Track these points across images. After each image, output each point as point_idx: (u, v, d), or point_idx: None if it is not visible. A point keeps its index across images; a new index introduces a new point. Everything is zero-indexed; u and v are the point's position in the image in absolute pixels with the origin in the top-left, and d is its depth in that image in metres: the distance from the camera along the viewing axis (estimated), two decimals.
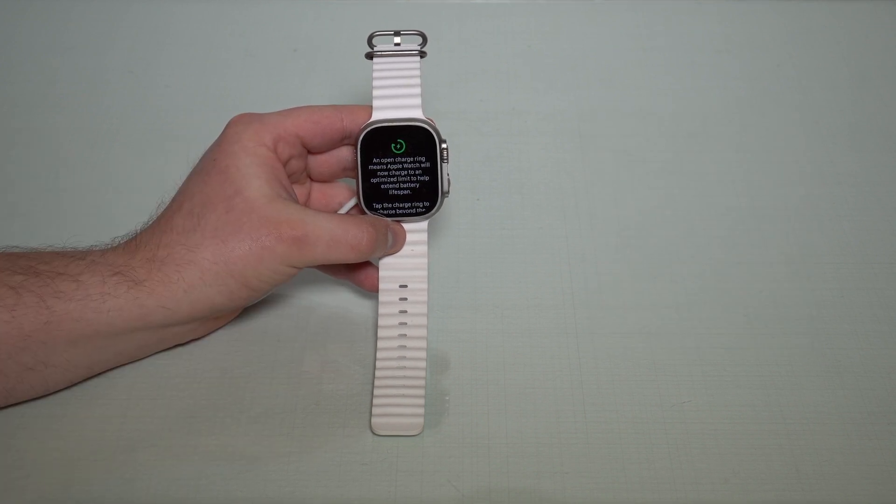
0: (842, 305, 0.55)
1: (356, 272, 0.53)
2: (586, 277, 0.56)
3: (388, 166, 0.51)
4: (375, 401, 0.49)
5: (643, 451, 0.48)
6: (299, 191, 0.53)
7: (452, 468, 0.48)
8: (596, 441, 0.49)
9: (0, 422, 0.49)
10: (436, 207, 0.51)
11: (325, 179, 0.54)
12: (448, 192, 0.51)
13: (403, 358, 0.50)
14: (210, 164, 0.49)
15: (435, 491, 0.47)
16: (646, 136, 0.65)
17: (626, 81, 0.69)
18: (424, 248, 0.52)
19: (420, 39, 0.51)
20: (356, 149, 0.50)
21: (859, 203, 0.61)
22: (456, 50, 0.72)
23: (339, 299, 0.55)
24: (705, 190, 0.62)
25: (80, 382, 0.50)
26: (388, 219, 0.51)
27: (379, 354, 0.51)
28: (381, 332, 0.51)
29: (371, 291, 0.53)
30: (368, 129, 0.50)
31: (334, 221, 0.48)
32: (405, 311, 0.51)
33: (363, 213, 0.52)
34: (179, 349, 0.52)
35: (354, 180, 0.52)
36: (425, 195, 0.51)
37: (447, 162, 0.51)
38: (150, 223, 0.50)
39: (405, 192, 0.51)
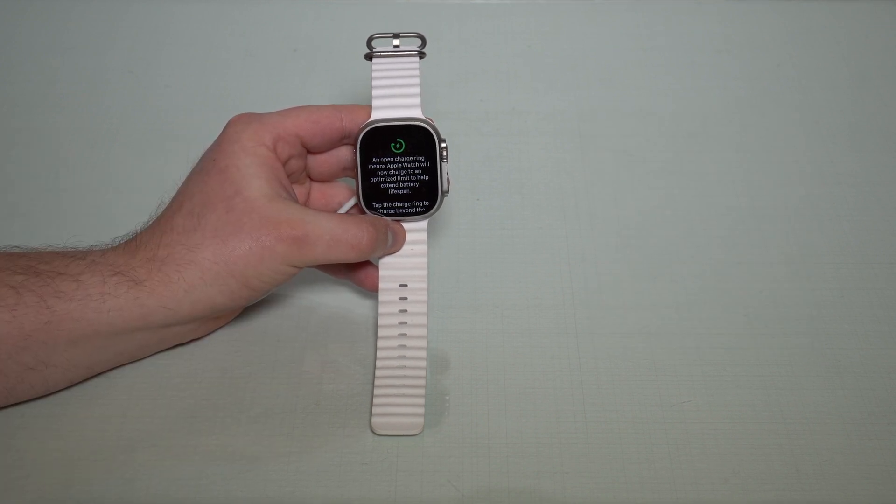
0: (842, 305, 0.55)
1: (356, 272, 0.53)
2: (586, 277, 0.56)
3: (388, 166, 0.51)
4: (375, 400, 0.49)
5: (643, 451, 0.48)
6: (299, 190, 0.53)
7: (452, 468, 0.48)
8: (596, 441, 0.49)
9: (0, 422, 0.49)
10: (435, 207, 0.51)
11: (325, 179, 0.54)
12: (448, 192, 0.51)
13: (404, 357, 0.50)
14: (210, 164, 0.49)
15: (435, 491, 0.47)
16: (646, 136, 0.65)
17: (626, 81, 0.69)
18: (424, 248, 0.52)
19: (419, 41, 0.51)
20: (356, 148, 0.50)
21: (859, 203, 0.61)
22: (456, 50, 0.72)
23: (339, 299, 0.55)
24: (705, 190, 0.62)
25: (80, 382, 0.50)
26: (388, 218, 0.51)
27: (379, 354, 0.51)
28: (381, 332, 0.51)
29: (371, 291, 0.53)
30: (368, 128, 0.50)
31: (334, 221, 0.48)
32: (405, 311, 0.51)
33: (363, 212, 0.52)
34: (180, 349, 0.52)
35: (354, 180, 0.52)
36: (425, 194, 0.51)
37: (447, 161, 0.51)
38: (150, 223, 0.50)
39: (405, 191, 0.51)
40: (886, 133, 0.65)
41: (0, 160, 0.63)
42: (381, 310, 0.51)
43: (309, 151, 0.52)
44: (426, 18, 0.73)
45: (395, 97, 0.50)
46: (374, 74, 0.51)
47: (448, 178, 0.51)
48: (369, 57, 0.51)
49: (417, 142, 0.50)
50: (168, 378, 0.51)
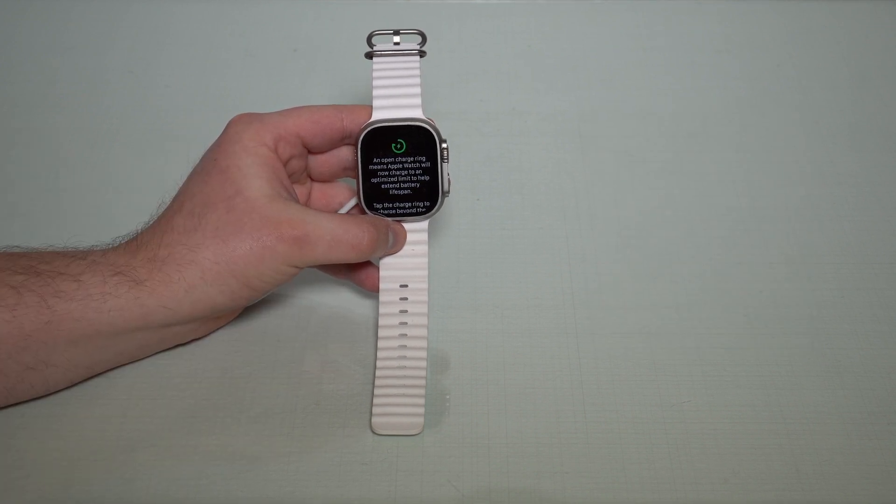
0: (842, 305, 0.55)
1: (357, 272, 0.53)
2: (586, 277, 0.56)
3: (389, 166, 0.51)
4: (376, 400, 0.49)
5: (643, 451, 0.48)
6: (300, 191, 0.53)
7: (452, 468, 0.48)
8: (596, 441, 0.49)
9: (0, 422, 0.49)
10: (436, 207, 0.51)
11: (326, 179, 0.54)
12: (448, 192, 0.51)
13: (404, 358, 0.50)
14: (210, 164, 0.49)
15: (435, 491, 0.47)
16: (646, 137, 0.65)
17: (626, 81, 0.69)
18: (425, 248, 0.52)
19: (419, 38, 0.51)
20: (356, 148, 0.50)
21: (859, 203, 0.61)
22: (456, 50, 0.72)
23: (339, 299, 0.55)
24: (705, 190, 0.62)
25: (80, 382, 0.50)
26: (389, 218, 0.51)
27: (379, 354, 0.51)
28: (381, 332, 0.51)
29: (372, 291, 0.53)
30: (369, 128, 0.50)
31: (335, 221, 0.48)
32: (405, 311, 0.51)
33: (364, 212, 0.52)
34: (180, 349, 0.52)
35: (354, 180, 0.52)
36: (426, 195, 0.51)
37: (447, 161, 0.51)
38: (150, 223, 0.50)
39: (405, 191, 0.51)
40: (886, 133, 0.65)
41: (0, 160, 0.63)
42: (382, 310, 0.51)
43: (310, 151, 0.52)
44: (426, 18, 0.73)
45: (396, 97, 0.50)
46: (374, 74, 0.51)
47: (449, 179, 0.51)
48: (370, 56, 0.51)
49: (418, 142, 0.50)
50: (168, 378, 0.51)
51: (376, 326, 0.52)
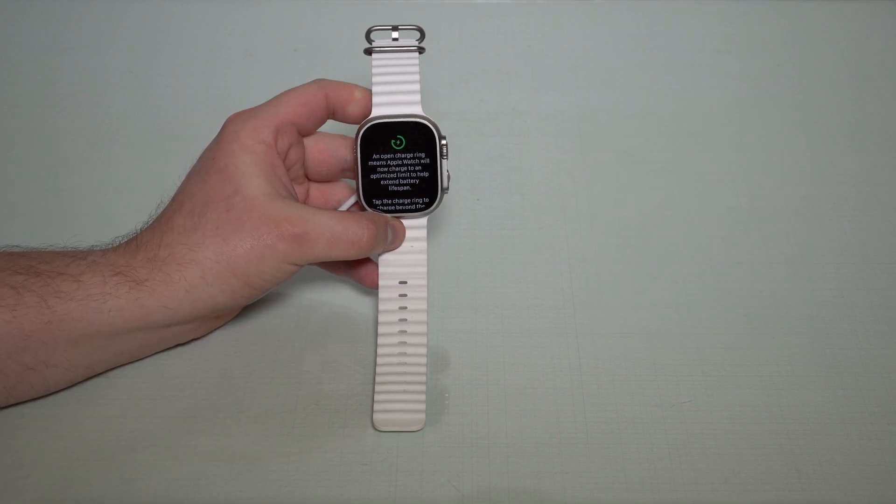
0: (842, 305, 0.55)
1: (356, 269, 0.53)
2: (586, 277, 0.56)
3: (388, 162, 0.51)
4: (377, 397, 0.49)
5: (643, 451, 0.48)
6: (298, 190, 0.53)
7: (452, 468, 0.48)
8: (596, 441, 0.49)
9: (0, 422, 0.49)
10: (435, 204, 0.51)
11: (324, 180, 0.54)
12: (448, 189, 0.51)
13: (404, 354, 0.50)
14: (209, 164, 0.49)
15: (435, 491, 0.47)
16: (646, 137, 0.65)
17: (626, 81, 0.69)
18: (424, 245, 0.52)
19: (418, 35, 0.51)
20: (356, 145, 0.50)
21: (859, 203, 0.61)
22: (456, 50, 0.72)
23: (339, 298, 0.55)
24: (705, 190, 0.62)
25: (80, 382, 0.50)
26: (388, 215, 0.51)
27: (379, 351, 0.51)
28: (381, 329, 0.51)
29: (371, 288, 0.53)
30: (368, 125, 0.50)
31: (334, 218, 0.48)
32: (405, 308, 0.51)
33: (363, 209, 0.52)
34: (180, 349, 0.52)
35: (352, 180, 0.52)
36: (425, 191, 0.51)
37: (447, 158, 0.51)
38: (149, 223, 0.50)
39: (405, 188, 0.51)
40: (886, 133, 0.65)
41: (0, 160, 0.63)
42: (381, 307, 0.51)
43: (301, 134, 0.52)
44: (426, 18, 0.73)
45: (396, 93, 0.50)
46: (373, 70, 0.51)
47: (448, 175, 0.51)
48: (369, 52, 0.51)
49: (418, 138, 0.50)
50: (168, 378, 0.51)
51: (376, 324, 0.52)
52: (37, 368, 0.47)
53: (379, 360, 0.50)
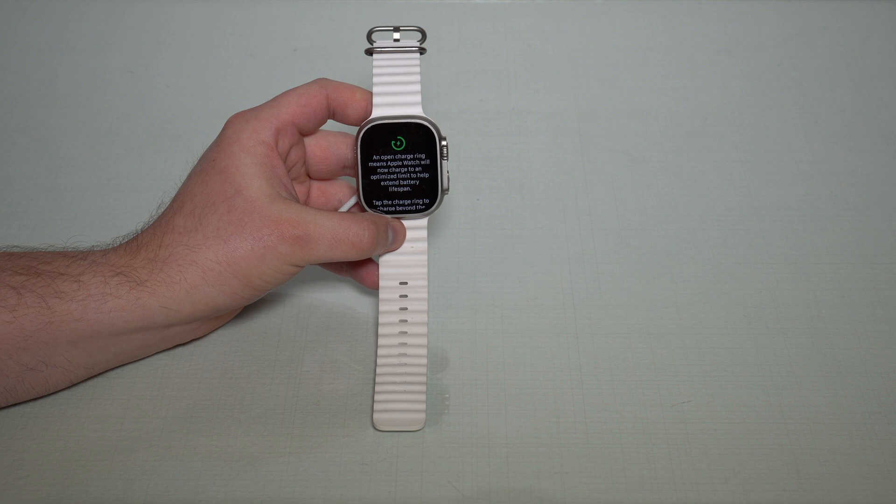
0: (842, 305, 0.55)
1: (357, 269, 0.53)
2: (586, 277, 0.56)
3: (388, 163, 0.51)
4: (377, 396, 0.49)
5: (643, 451, 0.48)
6: (299, 189, 0.53)
7: (452, 468, 0.48)
8: (596, 441, 0.49)
9: (0, 422, 0.49)
10: (436, 204, 0.51)
11: (325, 178, 0.54)
12: (448, 190, 0.51)
13: (404, 354, 0.50)
14: (209, 165, 0.49)
15: (435, 491, 0.47)
16: (646, 136, 0.65)
17: (626, 81, 0.69)
18: (424, 245, 0.52)
19: (419, 35, 0.51)
20: (356, 146, 0.50)
21: (859, 203, 0.61)
22: (456, 50, 0.72)
23: (339, 298, 0.55)
24: (705, 190, 0.62)
25: (80, 382, 0.50)
26: (389, 216, 0.51)
27: (380, 351, 0.51)
28: (381, 329, 0.51)
29: (372, 288, 0.53)
30: (368, 125, 0.50)
31: (335, 219, 0.48)
32: (406, 308, 0.51)
33: (363, 210, 0.52)
34: (180, 349, 0.52)
35: (354, 178, 0.52)
36: (425, 192, 0.51)
37: (447, 159, 0.51)
38: (150, 223, 0.50)
39: (405, 189, 0.51)
40: (886, 133, 0.65)
41: (0, 160, 0.63)
42: (382, 307, 0.51)
43: (302, 134, 0.52)
44: (426, 18, 0.73)
45: (396, 94, 0.50)
46: (374, 71, 0.51)
47: (448, 176, 0.51)
48: (370, 52, 0.51)
49: (418, 139, 0.50)
50: (168, 378, 0.51)
51: (376, 324, 0.52)
52: (37, 368, 0.47)
53: (379, 360, 0.50)
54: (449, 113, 0.67)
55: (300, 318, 0.54)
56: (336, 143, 0.53)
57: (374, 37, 0.51)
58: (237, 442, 0.48)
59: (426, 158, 0.51)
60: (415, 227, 0.52)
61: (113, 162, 0.63)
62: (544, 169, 0.63)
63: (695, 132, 0.66)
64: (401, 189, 0.51)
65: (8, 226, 0.59)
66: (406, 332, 0.51)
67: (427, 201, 0.51)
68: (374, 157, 0.51)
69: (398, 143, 0.50)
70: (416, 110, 0.50)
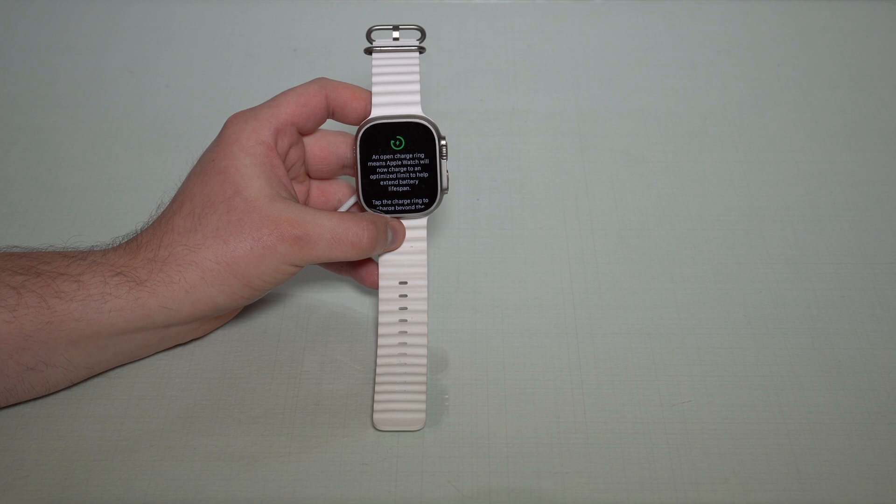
0: (842, 305, 0.55)
1: (357, 269, 0.53)
2: (586, 277, 0.56)
3: (388, 163, 0.51)
4: (377, 396, 0.49)
5: (643, 451, 0.48)
6: (298, 189, 0.53)
7: (452, 468, 0.48)
8: (596, 441, 0.49)
9: (0, 422, 0.49)
10: (435, 204, 0.51)
11: (324, 177, 0.54)
12: (447, 189, 0.51)
13: (404, 354, 0.50)
14: (209, 165, 0.49)
15: (435, 491, 0.47)
16: (646, 136, 0.65)
17: (626, 81, 0.69)
18: (424, 245, 0.52)
19: (419, 34, 0.51)
20: (355, 145, 0.50)
21: (859, 203, 0.61)
22: (456, 50, 0.72)
23: (339, 298, 0.55)
24: (705, 190, 0.62)
25: (80, 382, 0.50)
26: (388, 216, 0.51)
27: (380, 351, 0.51)
28: (381, 329, 0.51)
29: (372, 288, 0.53)
30: (368, 125, 0.50)
31: (335, 219, 0.48)
32: (405, 308, 0.51)
33: (362, 210, 0.52)
34: (180, 349, 0.52)
35: (353, 177, 0.52)
36: (425, 192, 0.51)
37: (446, 158, 0.51)
38: (150, 223, 0.50)
39: (404, 188, 0.51)
40: (886, 133, 0.65)
41: (0, 160, 0.63)
42: (382, 307, 0.51)
43: (301, 133, 0.52)
44: (426, 18, 0.73)
45: (395, 94, 0.50)
46: (374, 70, 0.51)
47: (447, 176, 0.51)
48: (369, 51, 0.51)
49: (417, 139, 0.50)
50: (168, 378, 0.51)
51: (376, 324, 0.52)
52: (37, 368, 0.47)
53: (379, 360, 0.50)
54: (449, 113, 0.67)
55: (300, 318, 0.54)
56: (335, 142, 0.53)
57: (373, 36, 0.51)
58: (237, 442, 0.49)
59: (425, 158, 0.51)
60: (414, 227, 0.52)
61: (113, 162, 0.63)
62: (544, 169, 0.63)
63: (695, 132, 0.66)
64: (400, 189, 0.51)
65: (8, 226, 0.59)
66: (406, 332, 0.51)
67: (426, 201, 0.51)
68: (374, 156, 0.51)
69: (397, 142, 0.50)
70: (416, 110, 0.50)
